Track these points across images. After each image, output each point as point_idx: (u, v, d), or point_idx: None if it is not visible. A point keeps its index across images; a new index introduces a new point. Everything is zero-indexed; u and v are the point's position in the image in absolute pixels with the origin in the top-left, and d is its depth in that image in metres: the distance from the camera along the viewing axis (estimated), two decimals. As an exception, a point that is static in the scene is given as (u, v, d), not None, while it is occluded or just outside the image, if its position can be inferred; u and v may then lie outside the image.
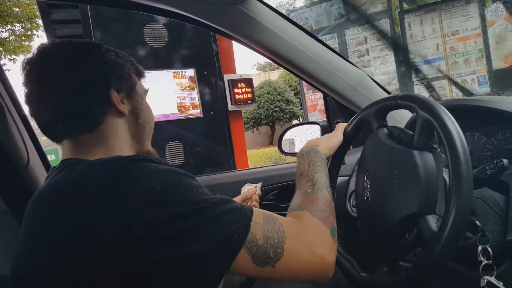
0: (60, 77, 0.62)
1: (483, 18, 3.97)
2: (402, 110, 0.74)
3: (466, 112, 0.83)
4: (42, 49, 0.65)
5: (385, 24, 4.51)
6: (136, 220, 0.50)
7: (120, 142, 0.67)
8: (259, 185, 1.05)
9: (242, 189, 1.06)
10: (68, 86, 0.62)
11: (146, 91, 0.77)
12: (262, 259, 0.55)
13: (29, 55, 0.65)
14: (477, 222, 0.62)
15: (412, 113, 0.69)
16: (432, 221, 0.61)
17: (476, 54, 4.09)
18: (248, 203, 1.01)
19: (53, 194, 0.57)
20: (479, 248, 0.61)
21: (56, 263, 0.51)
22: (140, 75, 0.75)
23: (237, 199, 1.00)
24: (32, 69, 0.64)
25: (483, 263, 0.61)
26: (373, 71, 4.56)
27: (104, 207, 0.51)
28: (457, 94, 4.20)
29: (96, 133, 0.64)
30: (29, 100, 0.64)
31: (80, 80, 0.63)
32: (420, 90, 4.36)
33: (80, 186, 0.55)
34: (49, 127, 0.64)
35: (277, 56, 1.05)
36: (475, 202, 0.71)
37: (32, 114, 0.65)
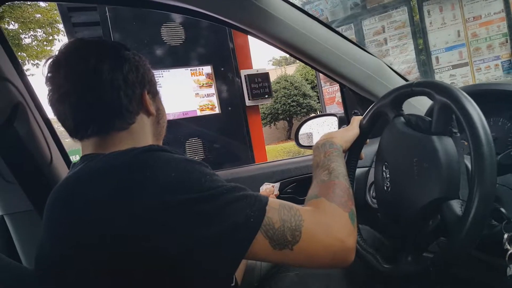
0: (98, 76, 0.63)
1: (506, 0, 3.81)
2: (422, 98, 0.73)
3: (490, 97, 0.81)
4: (73, 48, 0.66)
5: (403, 12, 4.40)
6: (152, 206, 0.51)
7: (146, 139, 0.70)
8: (277, 185, 1.05)
9: (260, 188, 1.07)
10: (108, 85, 0.63)
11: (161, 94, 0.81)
12: (280, 242, 0.55)
13: (55, 54, 0.66)
14: (503, 210, 0.61)
15: (432, 100, 0.67)
16: (456, 206, 0.60)
17: (499, 39, 3.93)
18: None
19: (71, 187, 0.59)
20: (505, 236, 0.60)
21: (75, 254, 0.53)
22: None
23: None
24: (63, 68, 0.63)
25: (509, 252, 0.59)
26: (392, 60, 4.46)
27: (121, 195, 0.52)
28: (480, 81, 4.06)
29: (127, 131, 0.67)
30: (56, 99, 0.64)
31: (119, 81, 0.64)
32: (441, 79, 4.24)
33: (97, 176, 0.56)
34: (79, 125, 0.65)
35: (292, 48, 1.04)
36: (500, 189, 0.69)
37: (56, 113, 0.66)
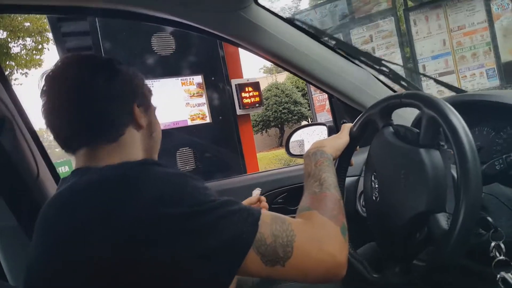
0: (90, 89, 0.64)
1: (489, 11, 3.92)
2: (410, 108, 0.74)
3: (474, 107, 0.83)
4: (68, 63, 0.67)
5: (390, 22, 4.48)
6: (144, 220, 0.51)
7: (135, 153, 0.70)
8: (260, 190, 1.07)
9: (252, 192, 1.07)
10: (97, 98, 0.64)
11: (155, 108, 0.80)
12: (271, 258, 0.55)
13: (51, 68, 0.67)
14: (489, 219, 0.62)
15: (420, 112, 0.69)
16: (442, 219, 0.61)
17: (483, 48, 4.04)
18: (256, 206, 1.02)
19: (64, 202, 0.59)
20: (492, 244, 0.61)
21: (68, 269, 0.52)
22: (151, 93, 0.79)
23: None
24: (57, 82, 0.65)
25: (496, 259, 0.60)
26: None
27: (114, 209, 0.52)
28: (466, 88, 4.15)
29: (116, 143, 0.66)
30: (50, 112, 0.65)
31: (110, 93, 0.65)
32: (428, 86, 4.31)
33: (90, 190, 0.56)
34: (71, 137, 0.65)
35: (281, 60, 1.05)
36: (486, 198, 0.70)
37: (49, 126, 0.66)
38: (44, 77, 0.66)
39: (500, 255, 0.60)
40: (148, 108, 0.75)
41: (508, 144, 0.80)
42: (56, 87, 0.65)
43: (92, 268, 0.51)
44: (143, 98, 0.73)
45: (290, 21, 1.05)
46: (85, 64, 0.67)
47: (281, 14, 1.03)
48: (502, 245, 0.60)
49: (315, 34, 1.08)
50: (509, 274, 0.59)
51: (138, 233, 0.50)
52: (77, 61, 0.68)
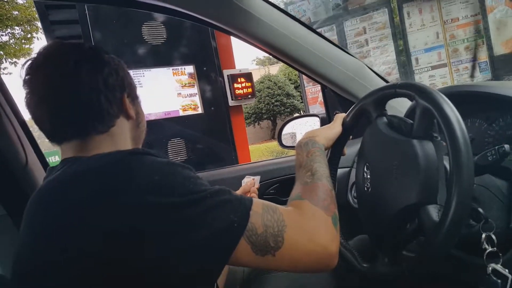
0: (76, 80, 0.62)
1: (482, 4, 3.93)
2: (402, 98, 0.73)
3: (467, 99, 0.82)
4: (52, 51, 0.65)
5: (383, 13, 4.47)
6: (135, 208, 0.50)
7: (125, 143, 0.70)
8: (257, 178, 1.05)
9: (242, 181, 1.07)
10: (87, 88, 0.63)
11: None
12: (262, 248, 0.55)
13: (33, 57, 0.64)
14: (480, 210, 0.62)
15: (412, 101, 0.68)
16: (433, 211, 0.60)
17: (476, 41, 4.05)
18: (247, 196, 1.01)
19: (53, 189, 0.58)
20: (483, 235, 0.61)
21: (57, 258, 0.51)
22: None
23: (237, 192, 1.01)
24: (40, 71, 0.63)
25: (487, 251, 0.60)
26: (373, 61, 4.53)
27: (104, 197, 0.51)
28: (458, 81, 4.17)
29: (107, 134, 0.66)
30: (33, 103, 0.63)
31: (98, 84, 0.64)
32: (421, 79, 4.33)
33: (81, 178, 0.55)
34: (57, 128, 0.64)
35: (273, 49, 1.04)
36: (477, 189, 0.70)
37: (34, 118, 0.65)
38: (26, 66, 0.64)
39: (491, 247, 0.60)
40: (136, 99, 0.75)
41: (500, 136, 0.80)
42: (39, 76, 0.62)
43: (80, 257, 0.50)
44: (131, 88, 0.73)
45: (283, 9, 1.03)
46: (71, 52, 0.65)
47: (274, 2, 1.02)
48: (493, 236, 0.60)
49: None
50: (499, 266, 0.59)
51: (128, 222, 0.50)
52: (62, 48, 0.66)
